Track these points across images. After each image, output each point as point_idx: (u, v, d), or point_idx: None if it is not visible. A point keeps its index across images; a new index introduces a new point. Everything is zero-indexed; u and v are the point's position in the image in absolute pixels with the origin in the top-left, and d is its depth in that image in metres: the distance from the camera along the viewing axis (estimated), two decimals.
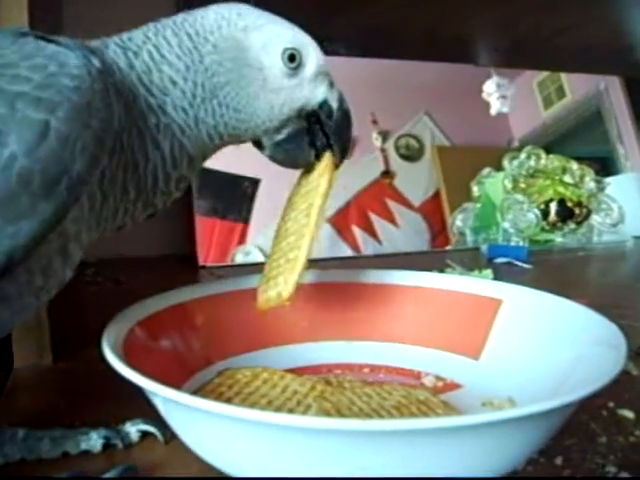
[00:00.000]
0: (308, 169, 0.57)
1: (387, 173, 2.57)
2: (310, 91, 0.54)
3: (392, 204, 2.48)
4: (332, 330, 0.63)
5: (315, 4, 1.07)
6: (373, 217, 2.44)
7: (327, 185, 0.55)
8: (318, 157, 0.56)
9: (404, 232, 2.50)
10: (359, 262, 1.52)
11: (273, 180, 2.58)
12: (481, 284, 0.65)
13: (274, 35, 0.52)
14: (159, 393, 0.38)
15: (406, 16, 1.23)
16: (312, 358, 0.62)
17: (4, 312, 0.44)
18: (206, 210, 2.00)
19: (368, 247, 2.66)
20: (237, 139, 0.54)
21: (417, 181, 2.59)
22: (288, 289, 0.51)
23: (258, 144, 0.55)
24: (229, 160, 2.52)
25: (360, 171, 2.56)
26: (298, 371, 0.59)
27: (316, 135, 0.56)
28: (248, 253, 2.51)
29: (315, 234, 0.53)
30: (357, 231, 2.45)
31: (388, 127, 2.60)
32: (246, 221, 2.56)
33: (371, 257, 1.83)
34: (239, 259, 1.99)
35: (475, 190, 1.67)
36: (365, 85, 2.38)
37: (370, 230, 2.49)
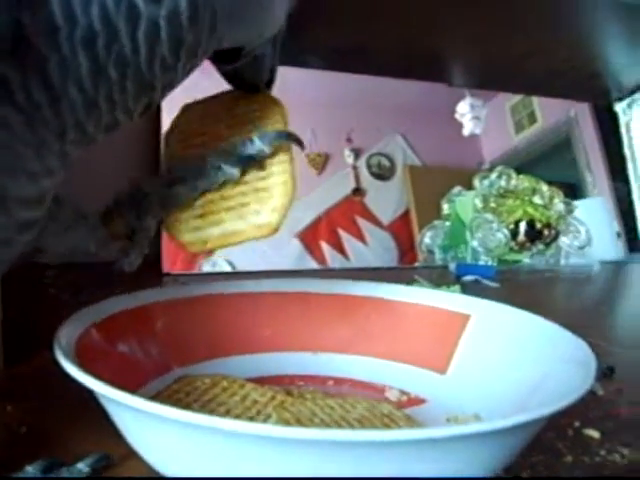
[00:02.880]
0: (232, 99, 0.54)
1: (358, 190, 2.57)
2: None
3: (362, 222, 2.49)
4: (295, 341, 0.61)
5: (289, 17, 1.06)
6: (342, 234, 2.45)
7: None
8: None
9: (373, 250, 2.51)
10: (327, 274, 1.50)
11: None
12: (449, 298, 0.63)
13: None
14: (110, 396, 0.36)
15: (380, 32, 1.23)
16: (274, 368, 0.59)
17: None
18: None
19: (336, 264, 2.66)
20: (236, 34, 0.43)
21: (387, 200, 2.60)
22: (277, 215, 0.46)
23: (226, 56, 0.47)
24: None
25: (331, 187, 2.56)
26: (260, 381, 0.56)
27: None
28: (215, 264, 2.49)
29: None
30: (325, 247, 2.45)
31: (361, 145, 2.61)
32: None
33: (338, 270, 1.82)
34: (206, 269, 1.97)
35: (445, 208, 1.67)
36: (340, 103, 2.40)
37: (339, 247, 2.49)
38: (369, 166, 2.64)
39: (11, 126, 0.32)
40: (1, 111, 0.32)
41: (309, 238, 2.52)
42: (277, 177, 0.47)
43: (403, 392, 0.58)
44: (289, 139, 0.48)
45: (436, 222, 1.72)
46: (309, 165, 2.71)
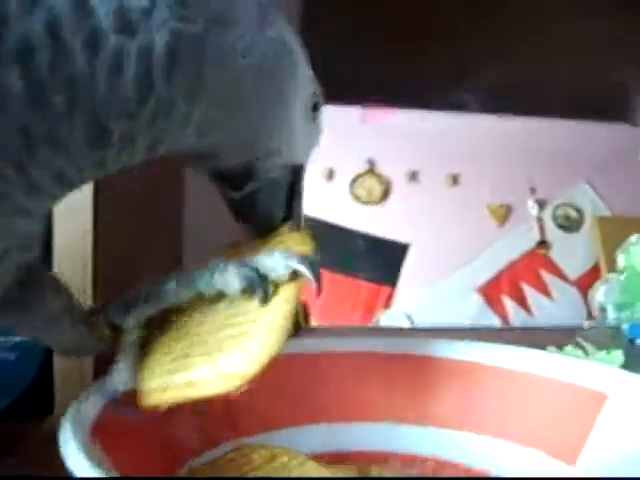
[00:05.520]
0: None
1: (543, 243, 2.40)
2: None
3: (547, 276, 2.31)
4: (387, 410, 0.50)
5: (448, 62, 0.98)
6: (526, 288, 2.29)
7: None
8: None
9: (559, 305, 2.33)
10: (488, 334, 1.34)
11: (423, 245, 2.48)
12: (586, 371, 0.49)
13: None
14: None
15: (546, 68, 1.10)
16: (357, 442, 0.48)
17: None
18: (343, 269, 1.97)
19: (518, 319, 2.49)
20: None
21: (575, 253, 2.41)
22: (255, 365, 0.34)
23: (233, 181, 0.40)
24: (376, 223, 2.45)
25: (514, 240, 2.41)
26: (339, 457, 0.46)
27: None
28: (394, 317, 2.42)
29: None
30: (508, 302, 2.30)
31: (546, 195, 2.44)
32: (393, 285, 2.48)
33: (503, 329, 1.66)
34: (383, 322, 1.95)
35: (620, 259, 1.44)
36: (521, 152, 2.25)
37: (522, 301, 2.33)
38: (555, 217, 2.46)
39: None
40: None
41: (490, 292, 2.37)
42: (271, 318, 0.36)
43: None
44: (313, 269, 0.37)
45: (610, 275, 1.47)
46: (490, 216, 2.57)
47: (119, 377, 0.39)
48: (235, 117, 0.35)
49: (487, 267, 2.55)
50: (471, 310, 2.53)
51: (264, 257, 0.37)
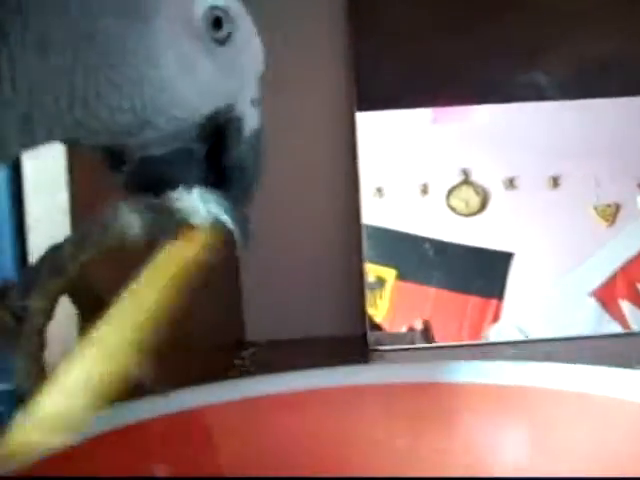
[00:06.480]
0: None
1: None
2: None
3: None
4: (421, 457, 0.40)
5: (519, 38, 0.89)
6: None
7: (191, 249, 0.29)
8: None
9: None
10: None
11: (528, 253, 2.32)
12: None
13: None
14: None
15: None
16: None
17: None
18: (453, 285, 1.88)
19: (638, 322, 2.32)
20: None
21: None
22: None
23: (115, 159, 0.29)
24: (477, 234, 2.32)
25: (625, 239, 2.21)
26: None
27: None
28: (504, 331, 2.29)
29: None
30: (626, 306, 2.11)
31: None
32: (500, 296, 2.35)
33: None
34: (493, 337, 1.85)
35: None
36: (625, 145, 2.06)
37: None
38: None
39: None
40: None
41: (606, 296, 2.17)
42: (98, 367, 0.25)
43: None
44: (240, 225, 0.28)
45: None
46: (598, 217, 2.36)
47: (20, 381, 0.28)
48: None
49: (599, 270, 2.36)
50: (587, 316, 2.31)
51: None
